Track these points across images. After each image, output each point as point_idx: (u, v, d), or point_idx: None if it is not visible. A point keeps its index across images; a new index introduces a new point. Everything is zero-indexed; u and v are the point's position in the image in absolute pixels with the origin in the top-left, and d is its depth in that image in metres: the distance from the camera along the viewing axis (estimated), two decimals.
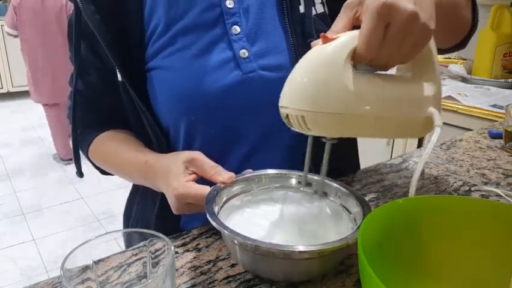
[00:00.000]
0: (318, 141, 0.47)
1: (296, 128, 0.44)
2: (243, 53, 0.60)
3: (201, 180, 0.53)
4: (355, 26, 0.42)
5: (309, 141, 0.49)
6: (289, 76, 0.44)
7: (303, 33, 0.60)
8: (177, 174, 0.53)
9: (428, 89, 0.46)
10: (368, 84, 0.43)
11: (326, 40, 0.42)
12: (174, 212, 0.54)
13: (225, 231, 0.41)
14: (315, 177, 0.53)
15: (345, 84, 0.41)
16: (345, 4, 0.43)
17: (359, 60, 0.42)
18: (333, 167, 0.51)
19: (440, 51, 0.65)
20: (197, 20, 0.60)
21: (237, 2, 0.61)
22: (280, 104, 0.44)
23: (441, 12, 0.43)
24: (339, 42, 0.41)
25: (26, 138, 3.82)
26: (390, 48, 0.40)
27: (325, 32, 0.44)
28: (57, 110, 3.15)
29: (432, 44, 0.46)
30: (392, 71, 0.47)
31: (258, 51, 0.60)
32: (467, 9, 0.63)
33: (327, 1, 0.65)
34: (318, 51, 0.42)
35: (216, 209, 0.46)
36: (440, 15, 0.43)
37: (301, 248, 0.39)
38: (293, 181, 0.54)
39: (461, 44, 0.68)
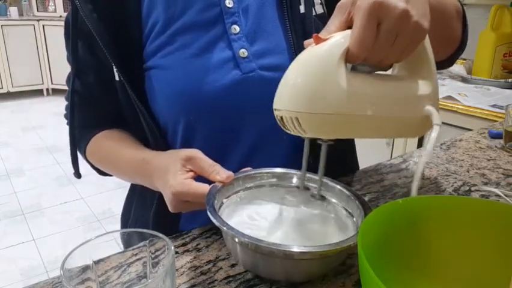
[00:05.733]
0: (315, 143, 0.47)
1: (291, 131, 0.43)
2: (243, 52, 0.59)
3: (200, 178, 0.52)
4: (349, 27, 0.42)
5: (306, 144, 0.48)
6: (283, 78, 0.43)
7: (303, 34, 0.60)
8: (174, 171, 0.52)
9: (424, 88, 0.45)
10: (362, 84, 0.42)
11: (319, 40, 0.41)
12: (171, 210, 0.53)
13: (226, 229, 0.41)
14: (315, 177, 0.53)
15: (339, 83, 0.40)
16: (338, 5, 0.43)
17: (352, 60, 0.41)
18: (330, 168, 0.51)
19: None
20: (196, 19, 0.60)
21: (236, 1, 0.61)
22: (274, 107, 0.43)
23: (433, 16, 0.43)
24: (332, 42, 0.40)
25: (26, 138, 3.81)
26: (383, 47, 0.40)
27: None
28: None
29: (427, 43, 0.46)
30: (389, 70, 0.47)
31: (257, 51, 0.60)
32: (457, 22, 0.63)
33: (326, 2, 0.65)
34: (311, 51, 0.41)
35: (215, 207, 0.46)
36: (432, 19, 0.43)
37: (302, 249, 0.39)
38: (293, 180, 0.54)
39: (448, 61, 0.67)
